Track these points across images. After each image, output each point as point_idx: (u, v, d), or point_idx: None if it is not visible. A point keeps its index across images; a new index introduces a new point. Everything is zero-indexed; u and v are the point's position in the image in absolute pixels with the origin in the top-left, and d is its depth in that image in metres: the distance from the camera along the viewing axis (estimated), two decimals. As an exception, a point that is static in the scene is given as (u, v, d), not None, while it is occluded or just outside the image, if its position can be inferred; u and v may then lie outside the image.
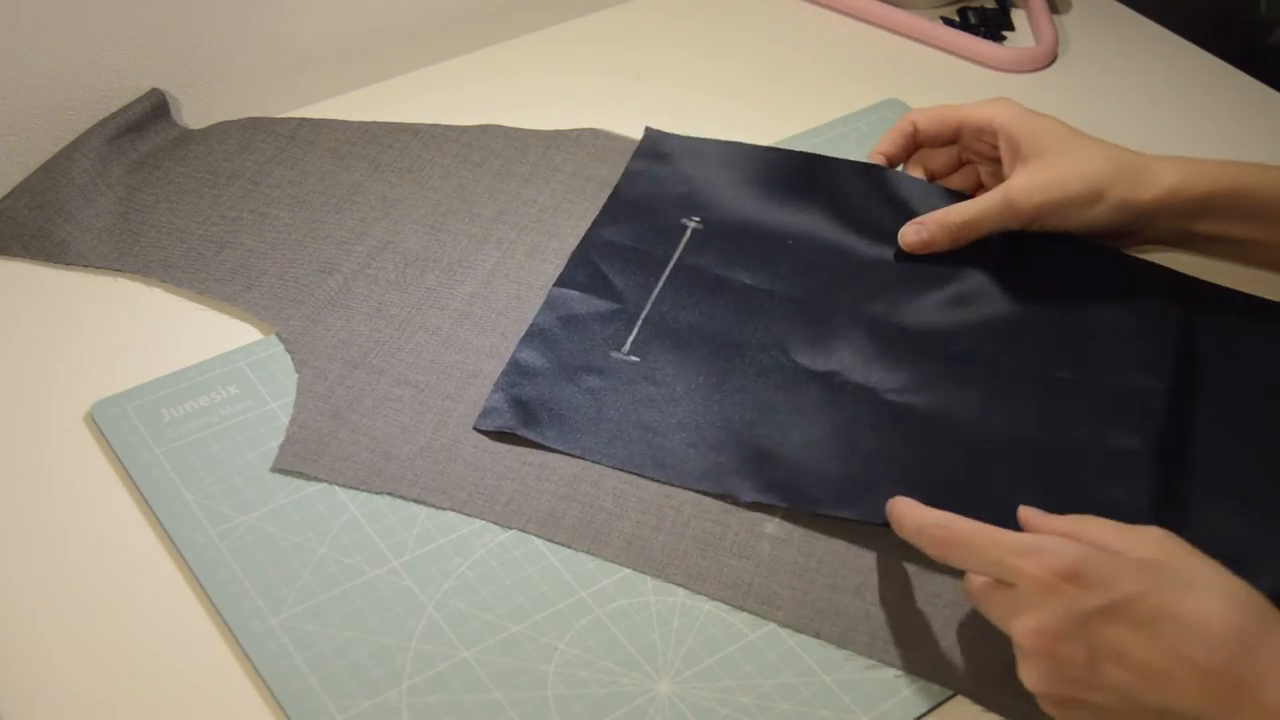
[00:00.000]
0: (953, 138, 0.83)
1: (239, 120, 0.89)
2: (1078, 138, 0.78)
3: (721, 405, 0.72)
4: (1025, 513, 0.62)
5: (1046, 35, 1.02)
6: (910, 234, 0.80)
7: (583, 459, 0.70)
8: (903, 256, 0.80)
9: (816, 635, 0.64)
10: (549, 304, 0.77)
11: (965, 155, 0.85)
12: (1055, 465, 0.70)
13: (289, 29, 0.92)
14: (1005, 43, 1.03)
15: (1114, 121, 0.96)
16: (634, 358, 0.74)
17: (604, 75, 0.96)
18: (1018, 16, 1.06)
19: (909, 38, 1.03)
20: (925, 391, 0.74)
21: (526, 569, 0.66)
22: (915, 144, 0.84)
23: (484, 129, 0.90)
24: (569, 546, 0.67)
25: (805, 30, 1.03)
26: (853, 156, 0.90)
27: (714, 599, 0.65)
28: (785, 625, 0.65)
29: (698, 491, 0.69)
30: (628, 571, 0.66)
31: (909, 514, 0.62)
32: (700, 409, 0.72)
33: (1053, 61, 1.02)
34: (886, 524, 0.64)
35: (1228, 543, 0.58)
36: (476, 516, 0.68)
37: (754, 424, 0.71)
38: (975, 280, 0.79)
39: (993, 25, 1.04)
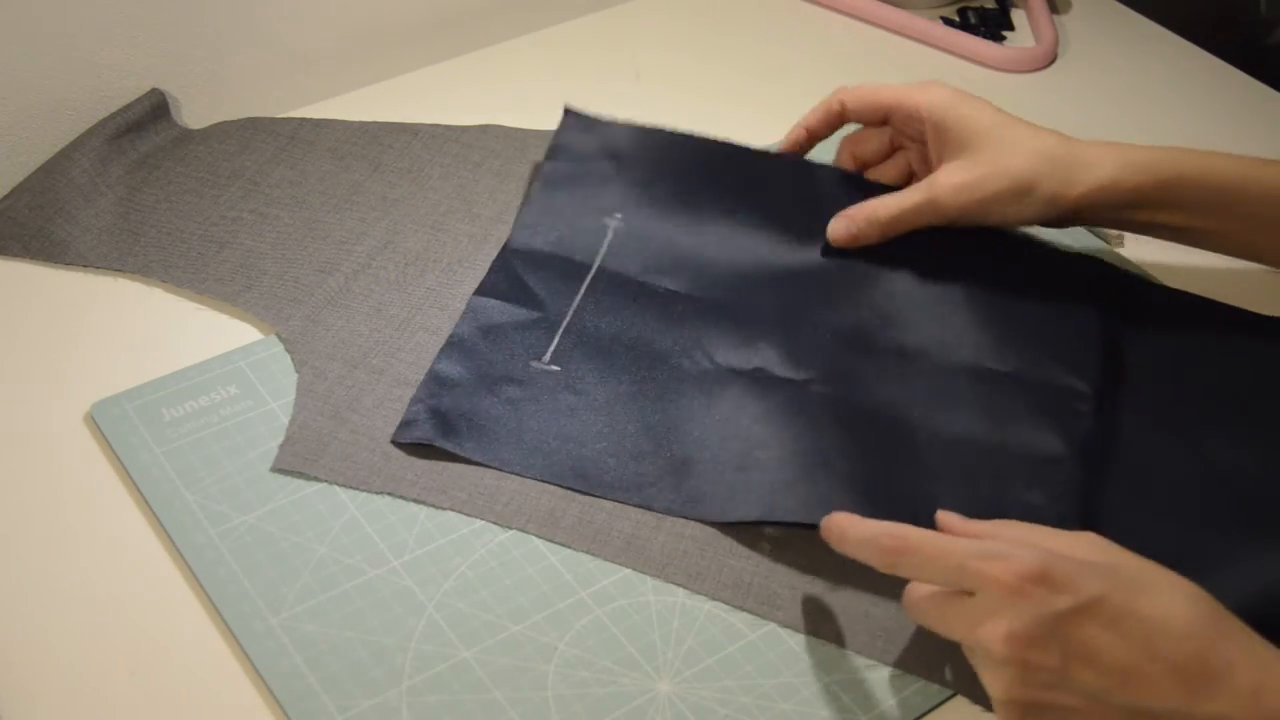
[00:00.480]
0: (882, 119, 0.82)
1: (239, 120, 0.89)
2: (1008, 127, 0.76)
3: (643, 413, 0.71)
4: (944, 517, 0.61)
5: (1046, 35, 1.02)
6: (839, 229, 0.79)
7: (501, 471, 0.69)
8: (829, 251, 0.80)
9: (816, 635, 0.64)
10: (469, 313, 0.75)
11: (897, 139, 0.83)
12: (979, 464, 0.70)
13: (289, 29, 0.92)
14: (1005, 43, 1.03)
15: (1114, 121, 0.96)
16: (554, 367, 0.73)
17: (604, 76, 0.96)
18: (1018, 16, 1.06)
19: (909, 38, 1.03)
20: (852, 385, 0.73)
21: (526, 569, 0.66)
22: (842, 121, 0.83)
23: (484, 129, 0.89)
24: (569, 546, 0.67)
25: (805, 30, 1.03)
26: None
27: (714, 599, 0.65)
28: (785, 625, 0.65)
29: (618, 502, 0.68)
30: (628, 571, 0.66)
31: (852, 528, 0.59)
32: (621, 417, 0.71)
33: (1053, 61, 1.02)
34: (815, 527, 0.62)
35: (1149, 550, 0.58)
36: (476, 516, 0.68)
37: (675, 430, 0.71)
38: (903, 274, 0.78)
39: (993, 25, 1.05)
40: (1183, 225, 0.77)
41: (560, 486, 0.69)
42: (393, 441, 0.70)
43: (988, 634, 0.54)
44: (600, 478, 0.69)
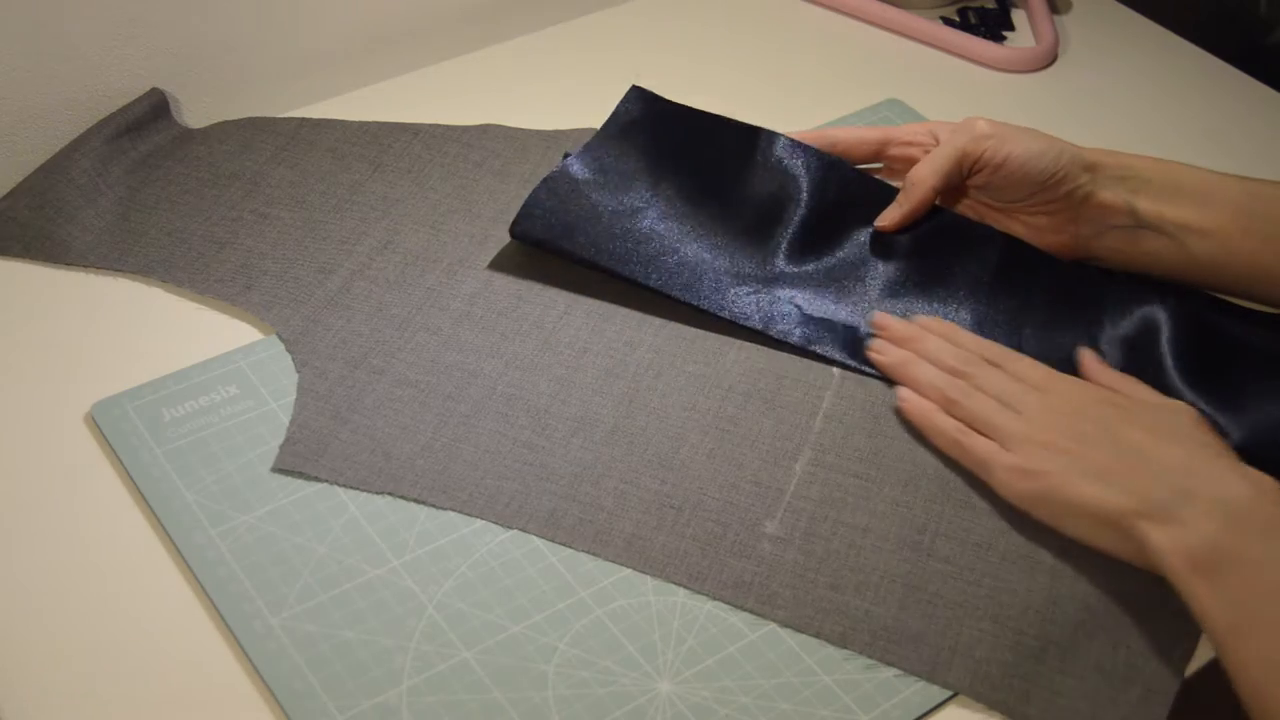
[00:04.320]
0: (873, 156, 0.86)
1: (239, 120, 0.89)
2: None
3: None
4: (1086, 355, 0.75)
5: (1046, 35, 1.02)
6: (893, 215, 0.81)
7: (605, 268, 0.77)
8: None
9: (817, 635, 0.64)
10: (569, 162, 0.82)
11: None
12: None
13: (289, 29, 0.92)
14: (1005, 43, 1.03)
15: (1114, 121, 0.96)
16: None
17: (604, 75, 0.96)
18: (1018, 16, 1.06)
19: (909, 38, 1.03)
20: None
21: (527, 569, 0.66)
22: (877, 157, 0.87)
23: (484, 129, 0.90)
24: (569, 546, 0.67)
25: (805, 30, 1.03)
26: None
27: (714, 599, 0.65)
28: (785, 625, 0.65)
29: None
30: (628, 571, 0.66)
31: (962, 332, 0.76)
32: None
33: (1053, 61, 1.02)
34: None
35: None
36: (477, 516, 0.68)
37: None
38: (914, 265, 0.81)
39: (993, 25, 1.05)
40: (1184, 222, 0.77)
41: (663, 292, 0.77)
42: (510, 233, 0.79)
43: (1048, 400, 0.71)
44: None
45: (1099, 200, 0.79)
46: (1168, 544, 0.62)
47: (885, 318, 0.77)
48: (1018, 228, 0.82)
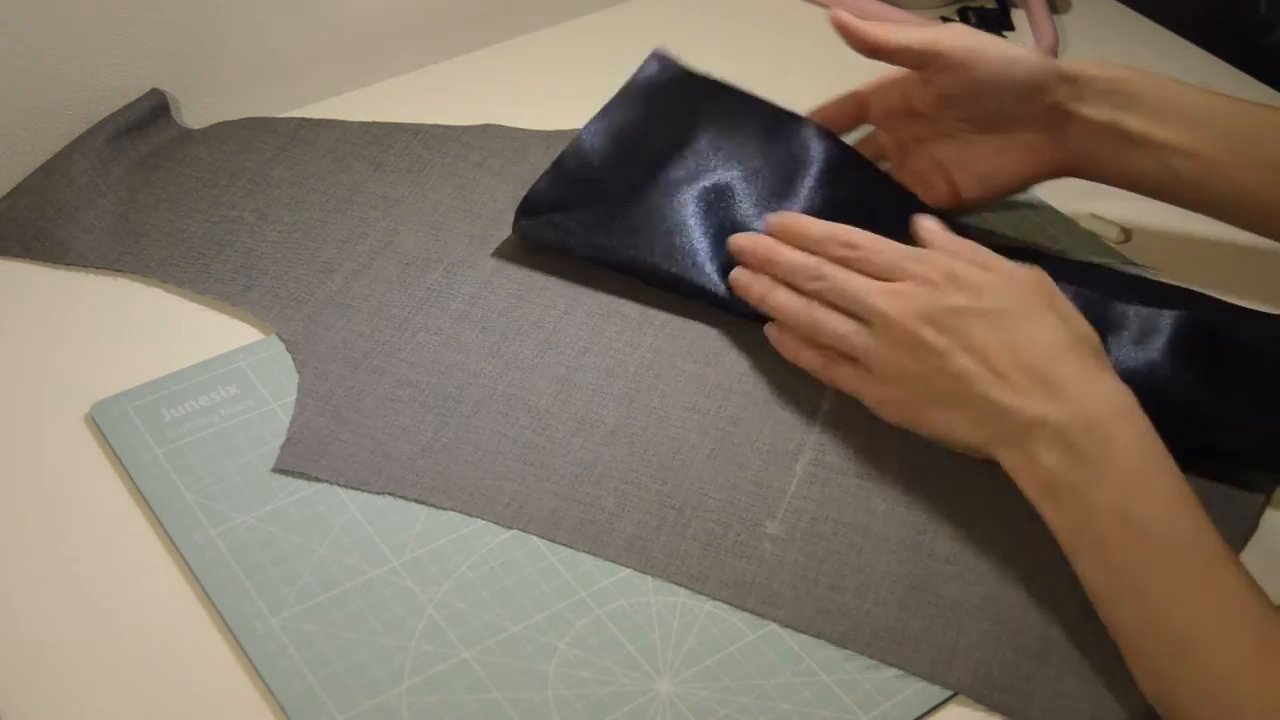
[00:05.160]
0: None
1: (239, 120, 0.89)
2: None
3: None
4: (922, 219, 0.73)
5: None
6: (842, 15, 0.81)
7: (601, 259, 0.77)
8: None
9: (817, 635, 0.64)
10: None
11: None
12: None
13: (289, 29, 0.92)
14: (1005, 43, 1.03)
15: (1114, 121, 0.96)
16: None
17: (604, 75, 0.96)
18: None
19: (909, 38, 1.03)
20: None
21: (527, 569, 0.66)
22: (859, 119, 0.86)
23: (484, 129, 0.89)
24: (569, 546, 0.67)
25: (805, 30, 1.03)
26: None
27: (714, 599, 0.65)
28: (786, 625, 0.65)
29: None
30: (628, 571, 0.66)
31: (813, 224, 0.74)
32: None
33: (1053, 61, 1.02)
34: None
35: None
36: (477, 517, 0.68)
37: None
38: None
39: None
40: (1169, 142, 0.77)
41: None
42: (517, 217, 0.79)
43: (897, 307, 0.68)
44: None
45: (1082, 116, 0.78)
46: (1018, 469, 0.65)
47: (739, 239, 0.76)
48: (1004, 148, 0.80)
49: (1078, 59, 0.79)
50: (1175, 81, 0.78)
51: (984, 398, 0.65)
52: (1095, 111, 0.78)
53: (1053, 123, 0.79)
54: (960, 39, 0.78)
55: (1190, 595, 0.59)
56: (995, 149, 0.81)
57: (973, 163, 0.82)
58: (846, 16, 0.80)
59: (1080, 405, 0.63)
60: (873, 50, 0.80)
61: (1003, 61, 0.78)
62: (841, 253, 0.72)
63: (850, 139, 0.86)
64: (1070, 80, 0.78)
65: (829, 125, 0.85)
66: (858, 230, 0.72)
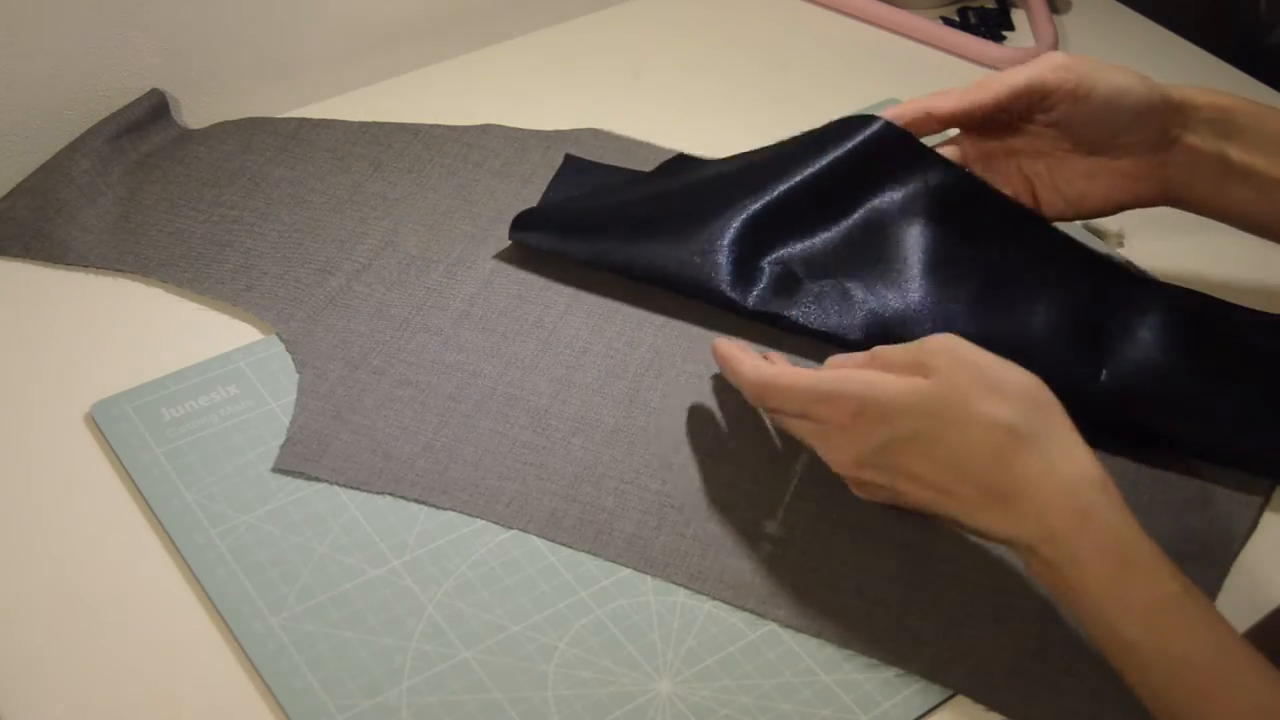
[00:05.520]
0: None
1: (239, 120, 0.89)
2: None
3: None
4: (831, 360, 0.68)
5: (1046, 35, 1.02)
6: (950, 99, 0.77)
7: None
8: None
9: (817, 635, 0.64)
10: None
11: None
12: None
13: (289, 29, 0.92)
14: (1005, 43, 1.03)
15: (1114, 121, 0.96)
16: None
17: (604, 74, 0.96)
18: (1018, 16, 1.06)
19: (909, 38, 1.03)
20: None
21: (527, 569, 0.66)
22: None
23: (484, 129, 0.89)
24: (569, 546, 0.67)
25: (805, 30, 1.03)
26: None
27: (714, 599, 0.65)
28: (786, 625, 0.65)
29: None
30: (628, 571, 0.66)
31: (736, 362, 0.68)
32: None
33: (1053, 61, 1.02)
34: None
35: None
36: (477, 517, 0.68)
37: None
38: (911, 239, 0.79)
39: (993, 25, 1.05)
40: (1268, 173, 0.74)
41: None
42: (512, 230, 0.79)
43: (831, 458, 0.65)
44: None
45: (1187, 144, 0.75)
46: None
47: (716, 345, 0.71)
48: (1100, 172, 0.77)
49: (1182, 85, 0.75)
50: (1277, 110, 0.75)
51: (952, 519, 0.62)
52: (1200, 140, 0.74)
53: (1156, 150, 0.75)
54: (1063, 71, 0.74)
55: (1200, 707, 0.56)
56: (1091, 172, 0.77)
57: (1065, 184, 0.78)
58: (915, 108, 0.76)
59: (1039, 520, 0.59)
60: (968, 117, 0.76)
61: (1112, 92, 0.74)
62: (757, 397, 0.67)
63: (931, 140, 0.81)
64: (1177, 108, 0.74)
65: (909, 128, 0.78)
66: (768, 375, 0.66)
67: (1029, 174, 0.79)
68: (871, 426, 0.62)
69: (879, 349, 0.65)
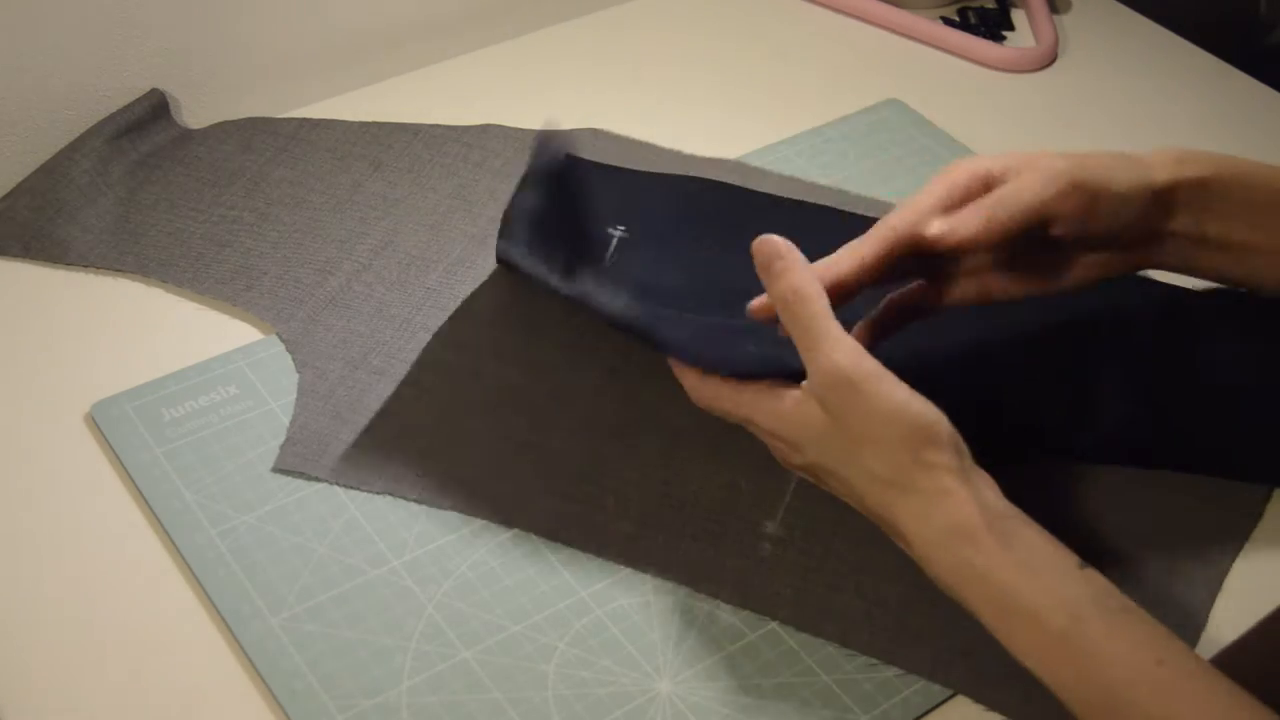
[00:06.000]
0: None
1: (239, 120, 0.89)
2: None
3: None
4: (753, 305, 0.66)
5: (1046, 35, 1.02)
6: (974, 220, 0.66)
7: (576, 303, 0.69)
8: None
9: (817, 635, 0.64)
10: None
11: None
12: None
13: (289, 29, 0.92)
14: (1005, 43, 1.03)
15: (1114, 121, 0.96)
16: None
17: (604, 75, 0.96)
18: (1018, 16, 1.06)
19: (909, 38, 1.03)
20: None
21: (526, 569, 0.66)
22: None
23: (484, 129, 0.90)
24: (569, 546, 0.67)
25: (805, 30, 1.03)
26: (851, 156, 0.90)
27: (714, 599, 0.65)
28: (785, 625, 0.65)
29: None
30: (628, 571, 0.66)
31: (678, 374, 0.67)
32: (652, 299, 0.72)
33: (1053, 61, 1.02)
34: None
35: None
36: (477, 516, 0.68)
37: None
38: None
39: (993, 25, 1.05)
40: (1247, 242, 0.70)
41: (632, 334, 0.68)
42: (498, 259, 0.76)
43: (772, 450, 0.66)
44: (628, 317, 0.68)
45: (1168, 231, 0.69)
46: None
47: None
48: (1077, 265, 0.70)
49: (1160, 150, 0.69)
50: (1260, 169, 0.70)
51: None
52: (1180, 226, 0.69)
53: (1138, 243, 0.70)
54: (1069, 188, 0.66)
55: None
56: (1060, 263, 0.70)
57: (1025, 278, 0.70)
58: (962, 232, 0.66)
59: (927, 566, 0.60)
60: (973, 243, 0.66)
61: (1117, 202, 0.67)
62: (705, 405, 0.66)
63: None
64: (1160, 199, 0.68)
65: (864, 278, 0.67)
66: (706, 393, 0.65)
67: (988, 286, 0.70)
68: (788, 450, 0.64)
69: (813, 313, 0.61)
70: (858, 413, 0.60)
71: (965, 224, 0.66)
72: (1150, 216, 0.69)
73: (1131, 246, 0.70)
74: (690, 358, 0.66)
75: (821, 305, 0.61)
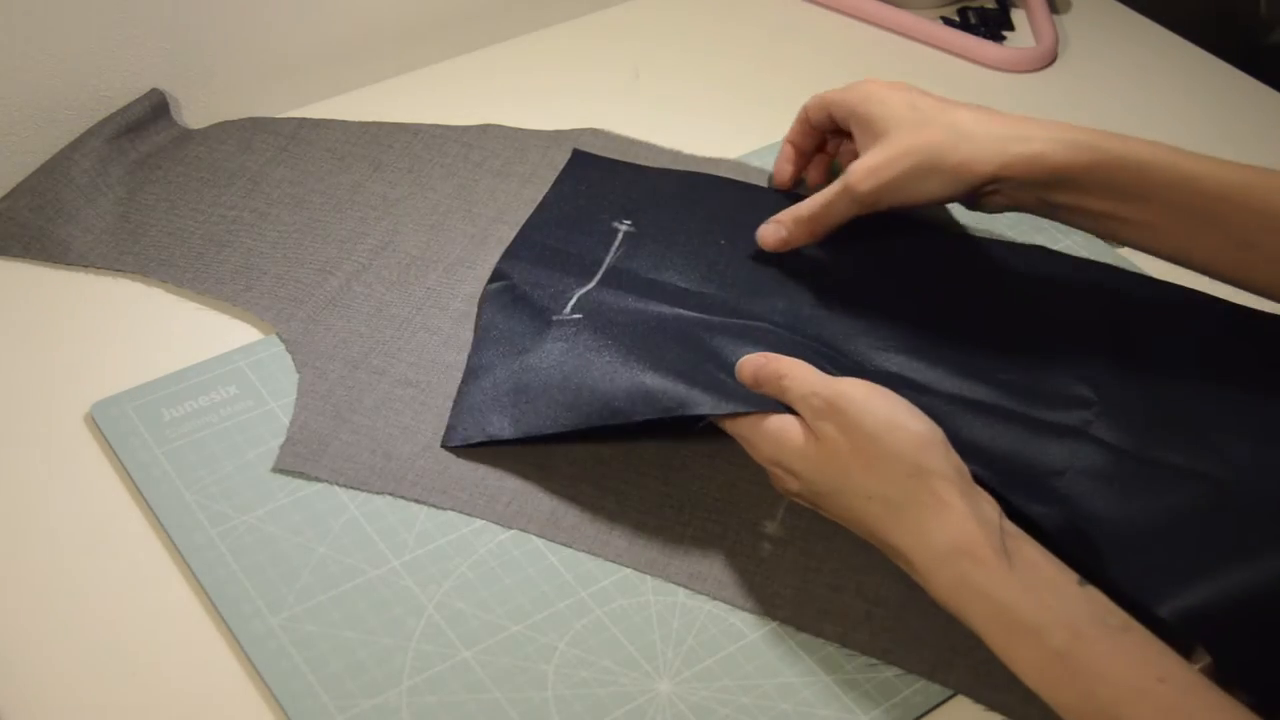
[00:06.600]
0: (833, 123, 0.82)
1: (239, 120, 0.89)
2: (922, 109, 0.76)
3: (666, 341, 0.72)
4: (744, 362, 0.68)
5: (1046, 35, 1.02)
6: (769, 233, 0.79)
7: (541, 435, 0.69)
8: (828, 266, 0.80)
9: (817, 635, 0.64)
10: (486, 301, 0.76)
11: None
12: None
13: (289, 29, 0.92)
14: (1005, 43, 1.03)
15: (1114, 122, 0.96)
16: (576, 315, 0.74)
17: (604, 75, 0.96)
18: (1018, 16, 1.06)
19: (909, 38, 1.03)
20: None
21: (526, 569, 0.66)
22: (816, 129, 0.84)
23: (484, 129, 0.89)
24: (569, 546, 0.67)
25: (805, 30, 1.03)
26: (853, 156, 0.90)
27: (714, 599, 0.65)
28: (785, 625, 0.65)
29: (660, 416, 0.67)
30: (628, 571, 0.66)
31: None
32: (644, 346, 0.71)
33: (1053, 61, 1.02)
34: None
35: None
36: (477, 516, 0.68)
37: (702, 345, 0.72)
38: (905, 288, 0.79)
39: (993, 25, 1.05)
40: (1105, 211, 0.74)
41: (593, 432, 0.69)
42: (443, 446, 0.70)
43: (771, 477, 0.67)
44: (634, 403, 0.67)
45: (1005, 198, 0.75)
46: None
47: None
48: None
49: (1020, 146, 0.74)
50: (1139, 146, 0.73)
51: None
52: (1021, 197, 0.75)
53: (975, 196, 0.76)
54: (866, 177, 0.75)
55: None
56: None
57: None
58: (774, 241, 0.80)
59: (927, 584, 0.61)
60: (812, 235, 0.79)
61: (917, 172, 0.75)
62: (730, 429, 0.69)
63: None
64: (996, 178, 0.74)
65: (799, 148, 0.85)
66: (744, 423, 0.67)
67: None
68: (785, 476, 0.65)
69: (792, 376, 0.65)
70: (851, 432, 0.62)
71: (795, 237, 0.79)
72: (986, 188, 0.74)
73: (1003, 198, 0.75)
74: (689, 415, 0.67)
75: (790, 361, 0.66)
